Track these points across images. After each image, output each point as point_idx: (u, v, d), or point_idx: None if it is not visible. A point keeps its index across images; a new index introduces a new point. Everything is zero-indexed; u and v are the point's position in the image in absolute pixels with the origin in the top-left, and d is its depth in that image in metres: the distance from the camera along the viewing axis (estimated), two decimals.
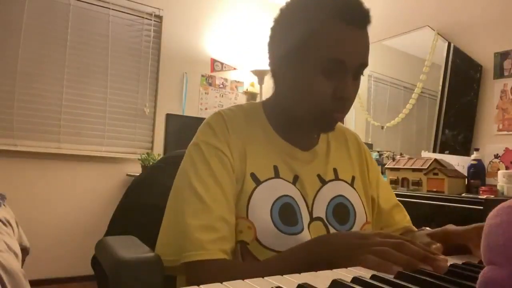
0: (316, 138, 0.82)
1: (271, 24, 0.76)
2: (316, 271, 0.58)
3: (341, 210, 0.76)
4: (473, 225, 0.65)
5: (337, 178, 0.80)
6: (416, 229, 0.88)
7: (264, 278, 0.45)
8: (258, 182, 0.71)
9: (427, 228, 0.80)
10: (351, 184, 0.82)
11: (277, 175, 0.73)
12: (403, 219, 0.88)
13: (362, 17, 0.69)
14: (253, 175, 0.71)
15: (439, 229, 0.71)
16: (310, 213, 0.74)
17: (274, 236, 0.68)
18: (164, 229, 0.70)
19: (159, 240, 0.70)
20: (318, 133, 0.82)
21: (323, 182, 0.78)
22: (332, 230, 0.74)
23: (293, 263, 0.59)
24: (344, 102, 0.69)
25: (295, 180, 0.75)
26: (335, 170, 0.80)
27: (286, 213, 0.70)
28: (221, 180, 0.68)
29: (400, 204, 0.90)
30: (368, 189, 0.85)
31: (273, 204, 0.70)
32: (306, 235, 0.70)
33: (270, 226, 0.68)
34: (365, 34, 0.70)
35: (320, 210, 0.75)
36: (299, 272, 0.58)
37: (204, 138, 0.72)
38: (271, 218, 0.69)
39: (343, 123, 0.78)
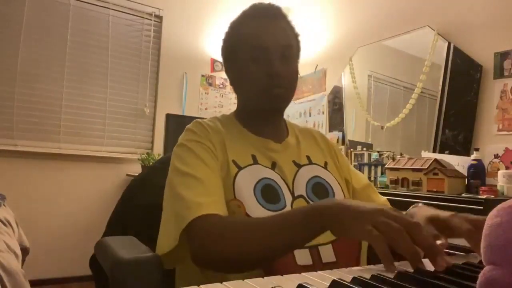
0: (286, 132, 0.91)
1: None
2: (314, 229, 0.59)
3: (319, 188, 0.83)
4: (476, 218, 0.64)
5: (311, 163, 0.87)
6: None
7: (264, 278, 0.45)
8: (239, 167, 0.77)
9: (421, 204, 0.80)
10: (325, 168, 0.88)
11: (255, 162, 0.80)
12: (380, 198, 0.94)
13: (271, 11, 0.84)
14: (234, 162, 0.78)
15: (441, 216, 0.69)
16: (292, 193, 0.79)
17: (260, 212, 0.73)
18: (162, 225, 0.72)
19: (158, 237, 0.71)
20: (269, 113, 0.87)
21: (299, 166, 0.84)
22: None
23: (294, 216, 0.62)
24: (276, 78, 0.79)
25: (273, 166, 0.82)
26: (308, 157, 0.88)
27: (268, 193, 0.76)
28: (206, 161, 0.75)
29: (372, 184, 0.97)
30: (341, 172, 0.92)
31: (255, 186, 0.75)
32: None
33: (255, 203, 0.73)
34: (278, 23, 0.83)
35: (300, 189, 0.81)
36: (297, 227, 0.60)
37: (185, 137, 0.81)
38: (254, 196, 0.74)
39: (286, 100, 0.85)
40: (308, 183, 0.82)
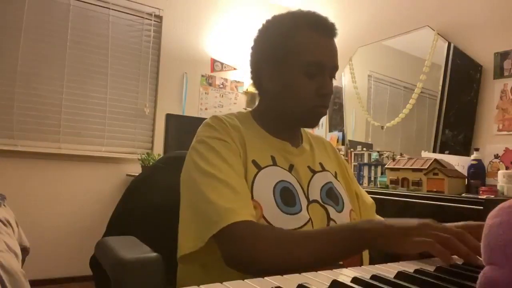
0: (301, 138, 0.92)
1: (252, 44, 0.87)
2: (360, 245, 0.63)
3: (332, 194, 0.84)
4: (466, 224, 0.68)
5: (324, 170, 0.88)
6: None
7: (264, 278, 0.45)
8: (259, 167, 0.77)
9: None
10: (335, 177, 0.90)
11: (274, 163, 0.80)
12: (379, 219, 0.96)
13: (330, 29, 0.82)
14: (254, 162, 0.78)
15: (461, 224, 0.70)
16: (307, 197, 0.80)
17: (277, 214, 0.73)
18: (184, 224, 0.72)
19: (179, 236, 0.71)
20: (303, 127, 0.91)
21: (313, 172, 0.85)
22: (329, 209, 0.80)
23: (342, 232, 0.64)
24: (325, 98, 0.81)
25: (291, 168, 0.82)
26: (321, 164, 0.89)
27: (286, 195, 0.76)
28: (229, 161, 0.74)
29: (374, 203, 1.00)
30: (350, 184, 0.94)
31: (274, 187, 0.76)
32: (304, 215, 0.76)
33: (274, 206, 0.74)
34: (333, 43, 0.83)
35: (315, 194, 0.82)
36: (346, 242, 0.63)
37: (206, 134, 0.79)
38: (274, 198, 0.74)
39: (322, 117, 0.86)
40: (322, 188, 0.83)
